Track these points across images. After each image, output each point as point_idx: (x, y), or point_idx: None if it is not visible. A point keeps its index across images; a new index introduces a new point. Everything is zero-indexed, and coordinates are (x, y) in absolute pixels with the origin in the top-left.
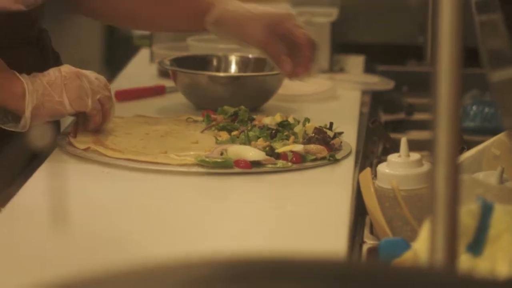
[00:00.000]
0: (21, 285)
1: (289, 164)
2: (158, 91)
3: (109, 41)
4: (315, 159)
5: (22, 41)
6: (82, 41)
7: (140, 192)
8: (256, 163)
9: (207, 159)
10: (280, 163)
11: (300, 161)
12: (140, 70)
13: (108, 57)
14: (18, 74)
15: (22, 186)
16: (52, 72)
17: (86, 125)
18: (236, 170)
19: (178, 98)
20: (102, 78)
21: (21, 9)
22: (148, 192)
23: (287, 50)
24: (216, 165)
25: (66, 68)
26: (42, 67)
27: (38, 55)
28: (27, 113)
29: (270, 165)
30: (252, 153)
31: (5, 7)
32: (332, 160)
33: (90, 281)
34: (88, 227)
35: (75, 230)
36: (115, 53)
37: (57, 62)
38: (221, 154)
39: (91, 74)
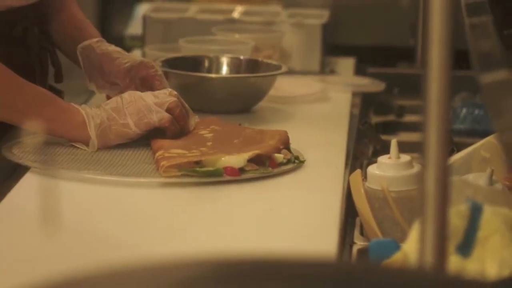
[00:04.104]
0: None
1: (270, 169)
2: None
3: None
4: (282, 163)
5: (4, 41)
6: None
7: (127, 202)
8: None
9: (197, 169)
10: (262, 168)
11: (276, 166)
12: None
13: None
14: (74, 104)
15: (9, 190)
16: (114, 100)
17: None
18: (226, 178)
19: None
20: (166, 90)
21: (23, 5)
22: (135, 201)
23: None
24: (206, 174)
25: (126, 95)
26: (28, 67)
27: (23, 55)
28: (92, 135)
29: (252, 171)
30: (234, 160)
31: (9, 5)
32: (297, 162)
33: (81, 280)
34: (79, 232)
35: (65, 234)
36: None
37: (46, 62)
38: (197, 163)
39: (154, 92)
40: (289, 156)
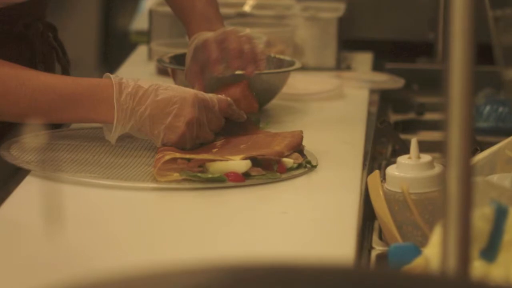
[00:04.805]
0: None
1: (278, 174)
2: None
3: (105, 38)
4: (292, 168)
5: (6, 37)
6: (77, 37)
7: (131, 207)
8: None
9: (199, 174)
10: (269, 173)
11: (285, 171)
12: (137, 67)
13: (104, 54)
14: (111, 102)
15: (10, 193)
16: (166, 95)
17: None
18: (230, 184)
19: None
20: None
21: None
22: (140, 206)
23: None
24: (209, 180)
25: (182, 100)
26: (31, 64)
27: (25, 51)
28: (112, 140)
29: (258, 176)
30: (238, 166)
31: (11, 1)
32: (309, 166)
33: (88, 286)
34: (80, 237)
35: (66, 238)
36: (112, 50)
37: (50, 58)
38: (200, 167)
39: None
40: (300, 160)
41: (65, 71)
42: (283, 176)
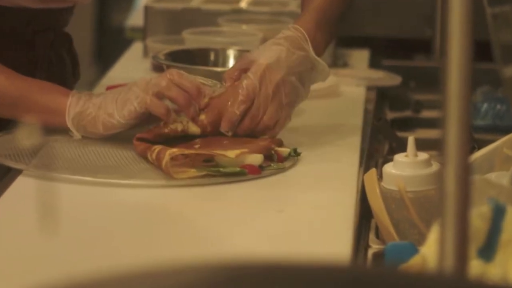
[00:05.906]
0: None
1: (282, 164)
2: None
3: (100, 34)
4: (286, 158)
5: (11, 41)
6: (72, 33)
7: (136, 204)
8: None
9: (221, 169)
10: (275, 164)
11: (283, 160)
12: (133, 64)
13: (99, 51)
14: (67, 92)
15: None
16: (118, 88)
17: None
18: (249, 176)
19: None
20: (172, 71)
21: (29, 7)
22: (133, 205)
23: None
24: (230, 174)
25: (130, 83)
26: (32, 69)
27: (27, 56)
28: (69, 124)
29: (267, 168)
30: (255, 159)
31: (17, 3)
32: (295, 154)
33: (80, 285)
34: (77, 235)
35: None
36: (107, 47)
37: (59, 68)
38: (207, 161)
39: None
40: (288, 149)
41: (73, 83)
42: (286, 165)
